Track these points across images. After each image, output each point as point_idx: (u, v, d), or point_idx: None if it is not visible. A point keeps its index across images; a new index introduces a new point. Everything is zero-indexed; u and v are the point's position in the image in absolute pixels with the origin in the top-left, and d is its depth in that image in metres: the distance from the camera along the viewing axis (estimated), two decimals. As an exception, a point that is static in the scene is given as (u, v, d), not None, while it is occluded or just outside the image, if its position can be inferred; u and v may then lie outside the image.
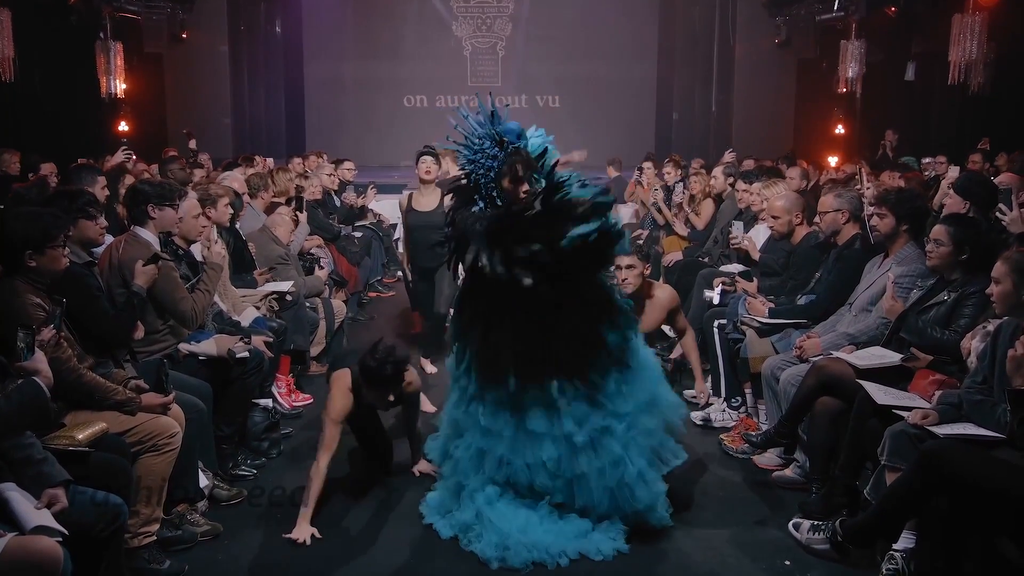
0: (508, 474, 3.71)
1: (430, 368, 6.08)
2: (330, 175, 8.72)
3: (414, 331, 6.61)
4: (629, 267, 4.44)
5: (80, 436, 3.09)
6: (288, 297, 5.39)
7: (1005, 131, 9.60)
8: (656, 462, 3.76)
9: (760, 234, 5.80)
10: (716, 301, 5.45)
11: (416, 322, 6.76)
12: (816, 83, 13.50)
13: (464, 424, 3.82)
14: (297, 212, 6.53)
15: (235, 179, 6.52)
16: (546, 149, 3.59)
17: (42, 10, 10.66)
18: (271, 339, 4.75)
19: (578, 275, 3.53)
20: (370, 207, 9.29)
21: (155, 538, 3.41)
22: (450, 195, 3.87)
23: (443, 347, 5.81)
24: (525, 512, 3.67)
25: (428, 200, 5.98)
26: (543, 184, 3.53)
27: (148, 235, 4.16)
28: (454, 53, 16.70)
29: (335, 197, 8.81)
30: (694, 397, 5.36)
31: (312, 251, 6.80)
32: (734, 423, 4.95)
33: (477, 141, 3.51)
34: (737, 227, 6.00)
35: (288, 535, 3.68)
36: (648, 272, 4.58)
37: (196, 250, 4.65)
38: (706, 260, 6.60)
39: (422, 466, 4.34)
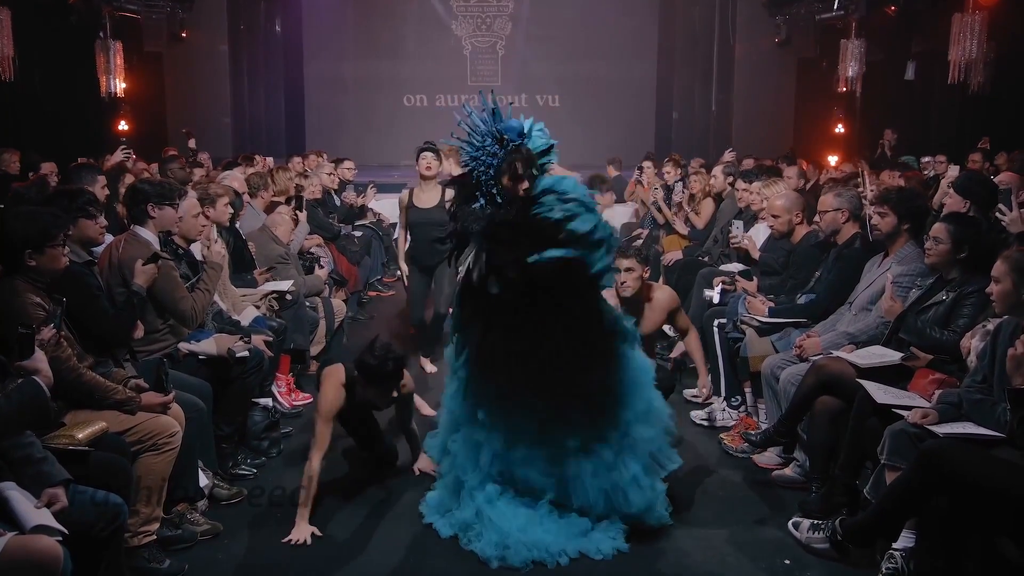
0: (503, 468, 3.72)
1: (430, 368, 6.08)
2: (330, 174, 8.72)
3: (412, 331, 6.60)
4: (628, 270, 4.42)
5: (80, 435, 3.09)
6: (288, 296, 5.39)
7: (1005, 130, 9.60)
8: (654, 467, 3.75)
9: (760, 233, 5.80)
10: (716, 300, 5.45)
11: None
12: (816, 82, 13.51)
13: (461, 416, 3.82)
14: (297, 211, 6.53)
15: (235, 178, 6.52)
16: (551, 147, 3.58)
17: (42, 9, 10.66)
18: (271, 338, 4.75)
19: (554, 290, 3.47)
20: (370, 206, 9.29)
21: (155, 537, 3.41)
22: (451, 190, 3.84)
23: (443, 343, 5.80)
24: (525, 511, 3.67)
25: (429, 196, 5.97)
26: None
27: (148, 234, 4.16)
28: (454, 52, 16.70)
29: (335, 196, 8.81)
30: (695, 396, 5.37)
31: (312, 250, 6.80)
32: (734, 422, 4.96)
33: (479, 138, 3.50)
34: (737, 226, 6.00)
35: (287, 539, 3.68)
36: (647, 275, 4.55)
37: (196, 249, 4.65)
38: (706, 259, 6.60)
39: (422, 463, 4.34)
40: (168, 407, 3.52)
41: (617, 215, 9.79)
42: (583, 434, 3.65)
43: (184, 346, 4.17)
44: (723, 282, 5.54)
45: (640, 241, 8.21)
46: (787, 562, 3.55)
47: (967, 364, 3.53)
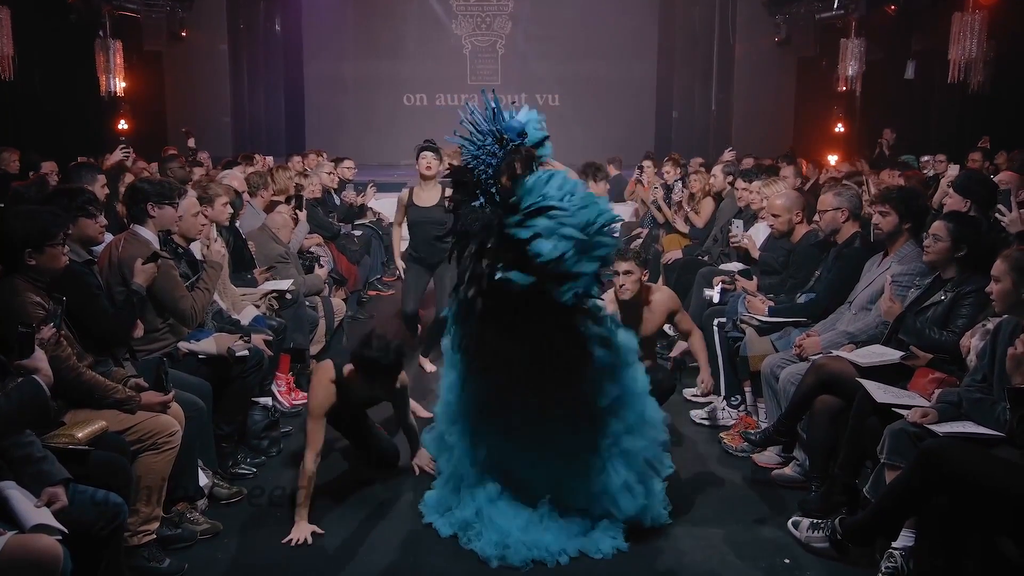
0: (502, 462, 3.72)
1: (429, 367, 6.07)
2: (330, 173, 8.72)
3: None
4: (627, 273, 4.40)
5: (80, 434, 3.09)
6: (288, 296, 5.39)
7: (1005, 129, 9.60)
8: (648, 473, 3.73)
9: (760, 232, 5.81)
10: (716, 300, 5.45)
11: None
12: (816, 81, 13.51)
13: (459, 408, 3.81)
14: (297, 210, 6.52)
15: (235, 177, 6.52)
16: (543, 140, 3.57)
17: (41, 8, 10.65)
18: (271, 337, 4.75)
19: (532, 303, 3.42)
20: (370, 205, 9.28)
21: (155, 536, 3.41)
22: (451, 186, 3.80)
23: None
24: (526, 511, 3.67)
25: (429, 195, 5.96)
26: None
27: (147, 233, 4.16)
28: (454, 52, 16.70)
29: (335, 195, 8.81)
30: (695, 395, 5.38)
31: (312, 249, 6.79)
32: (734, 421, 4.96)
33: (480, 137, 3.50)
34: (737, 225, 6.00)
35: (287, 538, 3.68)
36: (646, 278, 4.54)
37: (196, 248, 4.64)
38: (706, 259, 6.60)
39: (421, 458, 4.32)
40: (168, 406, 3.52)
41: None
42: (573, 438, 3.65)
43: (184, 345, 4.17)
44: (723, 281, 5.54)
45: (640, 240, 8.22)
46: (787, 561, 3.55)
47: (967, 363, 3.53)
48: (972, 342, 3.53)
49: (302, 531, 3.69)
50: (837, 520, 3.47)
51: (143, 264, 3.92)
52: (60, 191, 4.17)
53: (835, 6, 12.53)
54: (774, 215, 5.21)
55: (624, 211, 9.81)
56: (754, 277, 5.41)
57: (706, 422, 5.09)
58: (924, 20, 11.55)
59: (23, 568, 2.46)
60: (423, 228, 5.97)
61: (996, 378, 3.20)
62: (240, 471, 4.30)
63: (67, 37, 11.46)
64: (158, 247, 4.14)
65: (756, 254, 5.67)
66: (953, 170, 6.32)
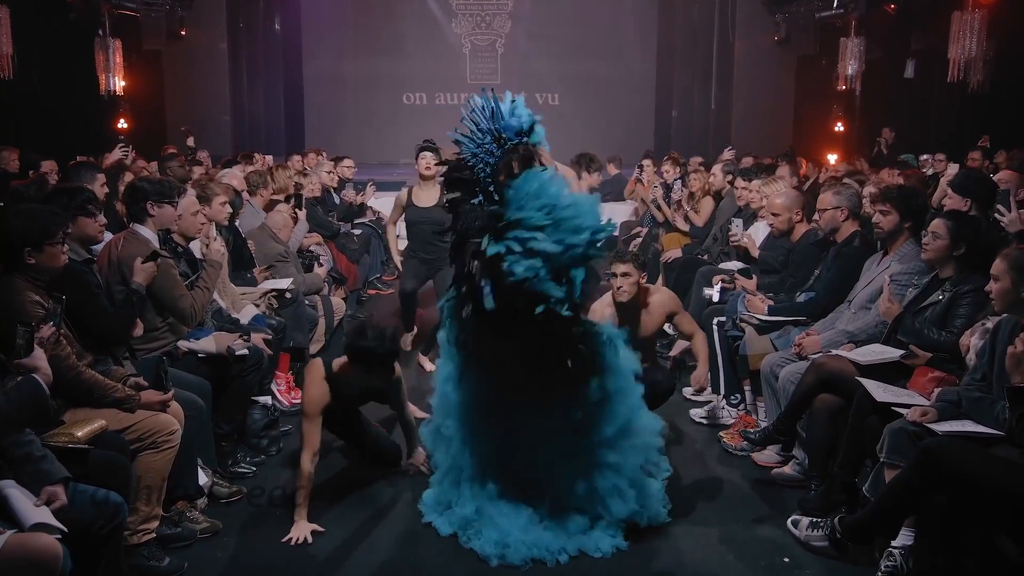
0: (501, 456, 3.71)
1: (429, 366, 6.07)
2: (329, 172, 8.72)
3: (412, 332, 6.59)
4: (624, 275, 4.38)
5: (79, 433, 3.09)
6: (287, 295, 5.39)
7: (1004, 129, 9.60)
8: (642, 477, 3.71)
9: (759, 231, 5.81)
10: (715, 299, 5.45)
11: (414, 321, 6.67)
12: (815, 80, 13.51)
13: (456, 400, 3.80)
14: (296, 209, 6.53)
15: (234, 176, 6.52)
16: (532, 125, 3.55)
17: (41, 7, 10.64)
18: (270, 336, 4.75)
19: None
20: (369, 204, 9.28)
21: (154, 535, 3.41)
22: (447, 183, 3.76)
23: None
24: (526, 510, 3.67)
25: (428, 196, 5.96)
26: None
27: (147, 232, 4.16)
28: (453, 50, 16.69)
29: (334, 194, 8.81)
30: (695, 395, 5.38)
31: (311, 248, 6.79)
32: (733, 420, 4.96)
33: (480, 135, 3.50)
34: (736, 224, 6.00)
35: (287, 537, 3.67)
36: (644, 280, 4.52)
37: (195, 247, 4.64)
38: (705, 258, 6.60)
39: (417, 458, 4.28)
40: (167, 405, 3.52)
41: (616, 213, 9.81)
42: (562, 439, 3.64)
43: (183, 344, 4.17)
44: (722, 280, 5.54)
45: (640, 239, 8.23)
46: (786, 560, 3.55)
47: (966, 362, 3.53)
48: (972, 341, 3.53)
49: (302, 530, 3.69)
50: (836, 519, 3.47)
51: (142, 263, 3.92)
52: (59, 190, 4.17)
53: (835, 5, 12.53)
54: (774, 214, 5.21)
55: (624, 210, 9.83)
56: (754, 276, 5.41)
57: (705, 421, 5.09)
58: (924, 19, 11.55)
59: (23, 567, 2.47)
60: (422, 228, 5.97)
61: (995, 377, 3.20)
62: (240, 470, 4.30)
63: (66, 36, 11.45)
64: (158, 246, 4.14)
65: (756, 253, 5.67)
66: (953, 169, 6.32)
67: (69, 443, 3.04)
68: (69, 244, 3.52)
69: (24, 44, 9.80)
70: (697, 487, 4.24)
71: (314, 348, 5.88)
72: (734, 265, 5.83)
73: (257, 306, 5.06)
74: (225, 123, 14.08)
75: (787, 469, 4.30)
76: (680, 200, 7.69)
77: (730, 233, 6.01)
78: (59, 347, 3.20)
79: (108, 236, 4.24)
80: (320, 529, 3.73)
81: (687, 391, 5.33)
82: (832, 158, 11.08)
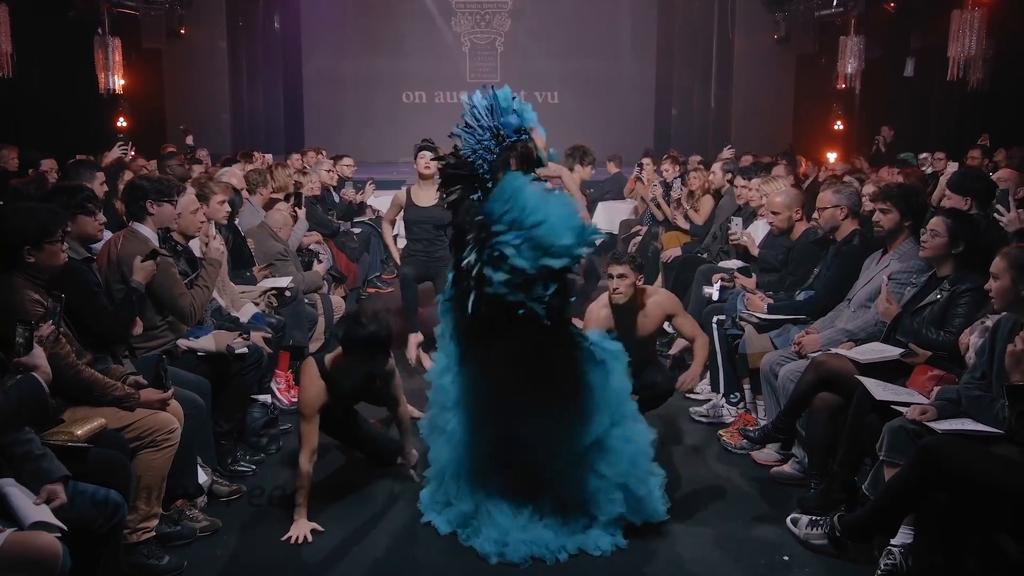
0: (495, 449, 3.70)
1: (428, 363, 6.05)
2: (329, 171, 8.72)
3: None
4: (621, 276, 4.36)
5: (79, 432, 3.09)
6: (287, 293, 5.39)
7: (1004, 127, 9.59)
8: (630, 481, 3.66)
9: (759, 230, 5.81)
10: (715, 297, 5.45)
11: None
12: (815, 79, 13.50)
13: (452, 392, 3.78)
14: (296, 208, 6.52)
15: (234, 175, 6.51)
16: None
17: (40, 5, 10.65)
18: (270, 335, 4.75)
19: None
20: (369, 203, 9.28)
21: (154, 534, 3.41)
22: (443, 178, 3.73)
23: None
24: (526, 508, 3.67)
25: (428, 195, 5.93)
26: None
27: (146, 231, 4.16)
28: (453, 49, 16.70)
29: (334, 193, 8.81)
30: (694, 393, 5.38)
31: (311, 247, 6.79)
32: (733, 419, 4.96)
33: (480, 131, 3.50)
34: (736, 223, 6.00)
35: (286, 536, 3.67)
36: (641, 282, 4.50)
37: (195, 246, 4.64)
38: (705, 256, 6.60)
39: (410, 458, 4.23)
40: (167, 404, 3.51)
41: (616, 212, 9.81)
42: (551, 437, 3.64)
43: (183, 343, 4.17)
44: (722, 279, 5.54)
45: (639, 238, 8.23)
46: (785, 558, 3.55)
47: (966, 361, 3.54)
48: (971, 339, 3.53)
49: (301, 529, 3.69)
50: (836, 517, 3.47)
51: (142, 262, 3.92)
52: (59, 188, 4.17)
53: (834, 3, 12.52)
54: (773, 212, 5.21)
55: (624, 209, 9.83)
56: (753, 275, 5.41)
57: (705, 419, 5.09)
58: (923, 17, 11.55)
59: (23, 565, 2.47)
60: (423, 228, 5.96)
61: (995, 375, 3.20)
62: (239, 468, 4.30)
63: (66, 34, 11.45)
64: (157, 244, 4.14)
65: (755, 252, 5.67)
66: (952, 167, 6.33)
67: (69, 441, 3.04)
68: (69, 243, 3.52)
69: (23, 42, 9.80)
70: (696, 485, 4.24)
71: (314, 346, 5.87)
72: (734, 264, 5.83)
73: (257, 304, 5.06)
74: (224, 122, 14.08)
75: (786, 467, 4.30)
76: (679, 199, 7.69)
77: (729, 232, 6.00)
78: (58, 345, 3.20)
79: (107, 235, 4.23)
80: (320, 528, 3.73)
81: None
82: (832, 156, 11.07)
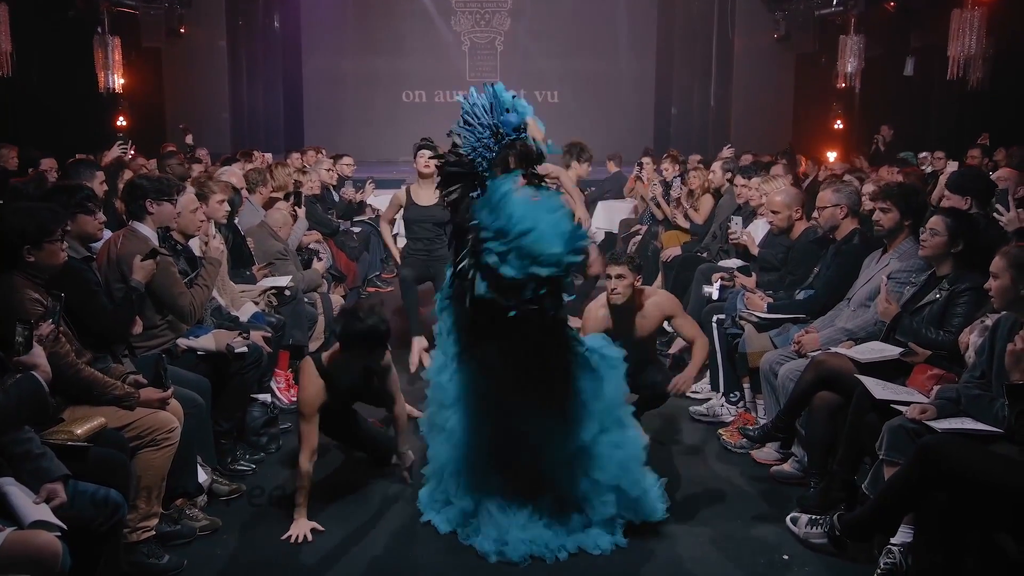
0: (494, 444, 3.70)
1: (429, 362, 6.04)
2: (328, 170, 8.72)
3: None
4: (619, 277, 4.35)
5: (79, 431, 3.09)
6: (287, 292, 5.39)
7: (1004, 126, 9.59)
8: (623, 484, 3.65)
9: (759, 229, 5.81)
10: (715, 296, 5.45)
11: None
12: (815, 78, 13.49)
13: (450, 389, 3.78)
14: (295, 207, 6.52)
15: (233, 174, 6.51)
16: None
17: (40, 4, 10.64)
18: (270, 334, 4.75)
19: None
20: (368, 202, 9.28)
21: (154, 533, 3.41)
22: (442, 175, 3.72)
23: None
24: (526, 506, 3.66)
25: (429, 194, 5.92)
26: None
27: (146, 230, 4.16)
28: (453, 48, 16.69)
29: (333, 192, 8.81)
30: (694, 392, 5.38)
31: (311, 246, 6.79)
32: (732, 418, 4.96)
33: (480, 129, 3.50)
34: (736, 222, 6.00)
35: (286, 535, 3.67)
36: (640, 282, 4.50)
37: (195, 245, 4.64)
38: (705, 255, 6.60)
39: (404, 459, 4.17)
40: (167, 403, 3.51)
41: (616, 211, 9.81)
42: (549, 439, 3.65)
43: (183, 342, 4.17)
44: (722, 278, 5.54)
45: (639, 237, 8.23)
46: (785, 557, 3.55)
47: (965, 360, 3.53)
48: (971, 338, 3.53)
49: (301, 528, 3.69)
50: (835, 516, 3.48)
51: (142, 261, 3.92)
52: (59, 188, 4.17)
53: (834, 2, 12.50)
54: (773, 211, 5.21)
55: (623, 208, 9.83)
56: (753, 274, 5.41)
57: (705, 418, 5.09)
58: (923, 16, 11.54)
59: (22, 564, 2.47)
60: (423, 227, 5.95)
61: (994, 374, 3.20)
62: (239, 467, 4.30)
63: (65, 33, 11.44)
64: (157, 244, 4.14)
65: (755, 251, 5.67)
66: (952, 167, 6.32)
67: (68, 441, 3.04)
68: (68, 242, 3.52)
69: (23, 41, 9.79)
70: (696, 485, 4.24)
71: (313, 346, 5.86)
72: (733, 263, 5.83)
73: (256, 304, 5.06)
74: (224, 121, 14.07)
75: (786, 466, 4.30)
76: (679, 198, 7.68)
77: (729, 231, 6.01)
78: (58, 345, 3.20)
79: (107, 234, 4.23)
80: (320, 527, 3.73)
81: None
82: (832, 156, 11.06)
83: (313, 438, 3.82)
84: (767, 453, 4.48)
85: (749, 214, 6.11)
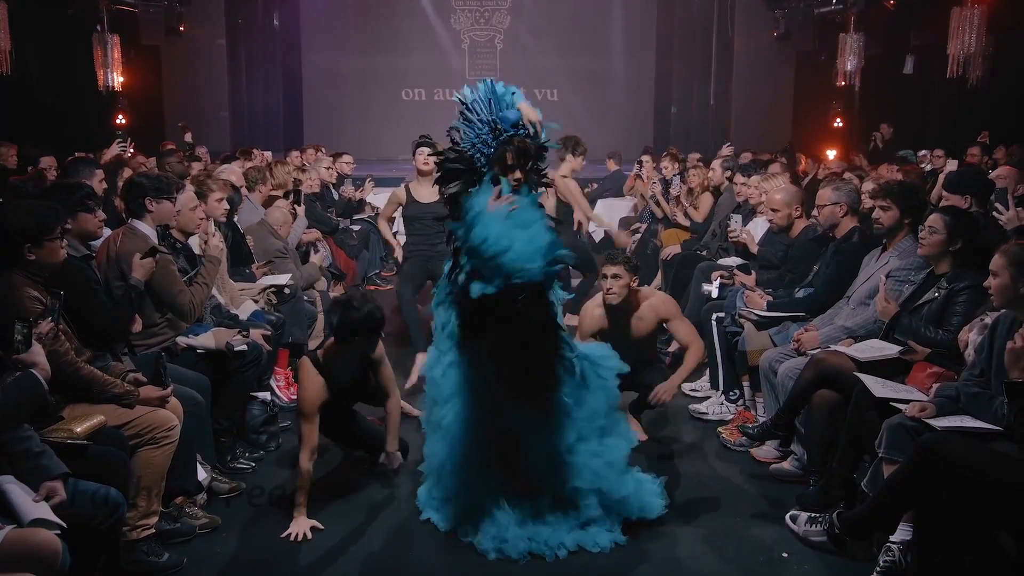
0: (492, 441, 3.70)
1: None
2: (328, 168, 8.72)
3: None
4: (615, 276, 4.34)
5: (78, 429, 3.09)
6: (286, 290, 5.39)
7: (1003, 124, 9.60)
8: (604, 486, 3.65)
9: (758, 227, 5.81)
10: (714, 295, 5.44)
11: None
12: (814, 76, 13.49)
13: (442, 384, 3.77)
14: (295, 205, 6.51)
15: (233, 172, 6.51)
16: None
17: (39, 2, 10.64)
18: (269, 332, 4.74)
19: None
20: (368, 200, 9.28)
21: (154, 531, 3.41)
22: (441, 171, 3.70)
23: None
24: (525, 504, 3.66)
25: (429, 191, 5.90)
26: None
27: (146, 228, 4.15)
28: (452, 46, 16.70)
29: (333, 190, 8.81)
30: (694, 390, 5.39)
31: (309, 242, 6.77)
32: (732, 416, 4.96)
33: (479, 125, 3.50)
34: (735, 220, 6.00)
35: (286, 533, 3.67)
36: (636, 283, 4.49)
37: (194, 243, 4.64)
38: (704, 253, 6.60)
39: (392, 459, 4.07)
40: (166, 401, 3.52)
41: (616, 210, 9.81)
42: (530, 440, 3.65)
43: (182, 340, 4.17)
44: (721, 276, 5.54)
45: (639, 235, 8.23)
46: (785, 555, 3.55)
47: (964, 358, 3.53)
48: (970, 337, 3.53)
49: (301, 526, 3.69)
50: (835, 514, 3.48)
51: (141, 259, 3.92)
52: (59, 186, 4.17)
53: (834, 1, 12.51)
54: (773, 210, 5.21)
55: (623, 206, 9.83)
56: (752, 272, 5.41)
57: (704, 416, 5.09)
58: (923, 15, 11.54)
59: (22, 562, 2.47)
60: (424, 225, 5.94)
61: (994, 372, 3.20)
62: (239, 466, 4.30)
63: (64, 31, 11.44)
64: (156, 242, 4.14)
65: (755, 249, 5.67)
66: (951, 165, 6.32)
67: (68, 439, 3.03)
68: (68, 240, 3.52)
69: (22, 39, 9.79)
70: (695, 482, 4.24)
71: (313, 344, 5.85)
72: (733, 261, 5.83)
73: (256, 302, 5.06)
74: (223, 119, 14.07)
75: (786, 465, 4.30)
76: (679, 196, 7.68)
77: (729, 229, 6.01)
78: (57, 343, 3.19)
79: (107, 232, 4.23)
80: (319, 525, 3.73)
81: (686, 387, 5.33)
82: (831, 154, 11.06)
83: (314, 437, 3.82)
84: (767, 451, 4.48)
85: (749, 212, 6.11)
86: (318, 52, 16.40)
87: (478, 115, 3.50)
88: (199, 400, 3.83)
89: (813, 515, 3.62)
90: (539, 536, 3.55)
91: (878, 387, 3.57)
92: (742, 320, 4.89)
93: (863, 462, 3.71)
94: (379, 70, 16.29)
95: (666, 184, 8.22)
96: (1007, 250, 3.27)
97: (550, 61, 16.13)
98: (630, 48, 16.54)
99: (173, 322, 4.18)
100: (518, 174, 3.44)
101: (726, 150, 9.26)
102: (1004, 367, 3.01)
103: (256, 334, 4.51)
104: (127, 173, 5.86)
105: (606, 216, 9.71)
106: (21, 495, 2.65)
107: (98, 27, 11.84)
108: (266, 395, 4.78)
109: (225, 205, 5.16)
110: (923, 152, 9.26)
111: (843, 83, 12.33)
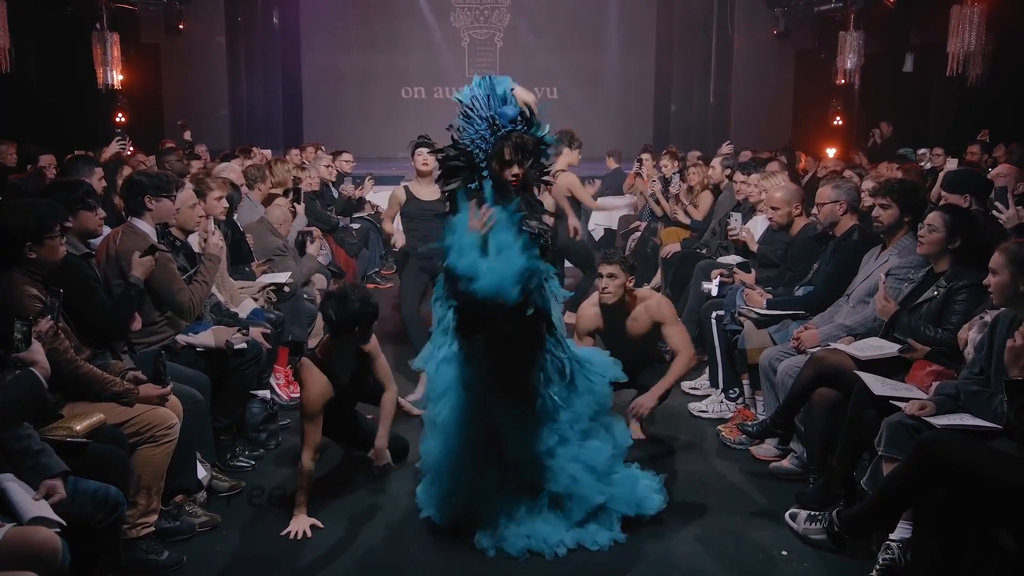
0: (490, 438, 3.69)
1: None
2: (328, 166, 8.72)
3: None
4: (611, 276, 4.32)
5: (78, 427, 3.09)
6: (286, 289, 5.39)
7: (1003, 122, 9.59)
8: (584, 493, 3.64)
9: (758, 225, 5.81)
10: (714, 293, 5.44)
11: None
12: (814, 74, 13.49)
13: (436, 379, 3.77)
14: (295, 204, 6.51)
15: (232, 170, 6.50)
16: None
17: (38, 1, 10.62)
18: (269, 330, 4.75)
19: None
20: (368, 199, 9.28)
21: (153, 529, 3.41)
22: (442, 169, 3.70)
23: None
24: (524, 502, 3.66)
25: (430, 190, 5.88)
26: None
27: (145, 226, 4.15)
28: (452, 44, 16.68)
29: (333, 189, 8.81)
30: (694, 388, 5.39)
31: (301, 230, 6.69)
32: (731, 414, 4.96)
33: (479, 121, 3.50)
34: (735, 219, 6.00)
35: (286, 531, 3.68)
36: (632, 283, 4.48)
37: (194, 241, 4.64)
38: (704, 252, 6.60)
39: (379, 455, 4.08)
40: (166, 399, 3.52)
41: (615, 208, 9.80)
42: (518, 439, 3.65)
43: (182, 338, 4.17)
44: (721, 274, 5.54)
45: (639, 234, 8.23)
46: (784, 553, 3.56)
47: (964, 356, 3.54)
48: (970, 335, 3.53)
49: (301, 524, 3.69)
50: (835, 512, 3.48)
51: (141, 257, 3.92)
52: (59, 184, 4.16)
53: (834, -1, 12.53)
54: (773, 208, 5.21)
55: (623, 204, 9.82)
56: (752, 270, 5.41)
57: (704, 415, 5.09)
58: (923, 13, 11.53)
59: (22, 560, 2.47)
60: (425, 223, 5.93)
61: (993, 371, 3.20)
62: (238, 464, 4.31)
63: (64, 29, 11.43)
64: (156, 240, 4.14)
65: (754, 247, 5.67)
66: (951, 164, 6.32)
67: (68, 437, 3.04)
68: (68, 238, 3.52)
69: (21, 37, 9.78)
70: (695, 480, 4.24)
71: (312, 342, 5.85)
72: (733, 259, 5.84)
73: (256, 300, 5.06)
74: (223, 117, 14.06)
75: (785, 463, 4.30)
76: (678, 194, 7.68)
77: (729, 227, 6.01)
78: (57, 341, 3.19)
79: (106, 230, 4.23)
80: (319, 524, 3.73)
81: (685, 385, 5.33)
82: (831, 152, 11.06)
83: (316, 437, 3.83)
84: (766, 449, 4.48)
85: (748, 210, 6.10)
86: (318, 50, 16.38)
87: (477, 112, 3.49)
88: (199, 398, 3.83)
89: (813, 513, 3.62)
90: (538, 534, 3.55)
91: (878, 385, 3.57)
92: (742, 318, 4.90)
93: (863, 460, 3.71)
94: (379, 68, 16.28)
95: (666, 182, 8.21)
96: (1007, 248, 3.27)
97: (550, 59, 16.12)
98: (630, 46, 16.53)
99: (173, 320, 4.18)
100: (516, 169, 3.43)
101: (726, 148, 9.25)
102: (1004, 365, 3.01)
103: (256, 332, 4.51)
104: (126, 171, 5.85)
105: (606, 215, 9.72)
106: (21, 493, 2.65)
107: (97, 25, 11.82)
108: (266, 393, 4.78)
109: (224, 203, 5.15)
110: (923, 150, 9.25)
111: (843, 81, 12.33)
